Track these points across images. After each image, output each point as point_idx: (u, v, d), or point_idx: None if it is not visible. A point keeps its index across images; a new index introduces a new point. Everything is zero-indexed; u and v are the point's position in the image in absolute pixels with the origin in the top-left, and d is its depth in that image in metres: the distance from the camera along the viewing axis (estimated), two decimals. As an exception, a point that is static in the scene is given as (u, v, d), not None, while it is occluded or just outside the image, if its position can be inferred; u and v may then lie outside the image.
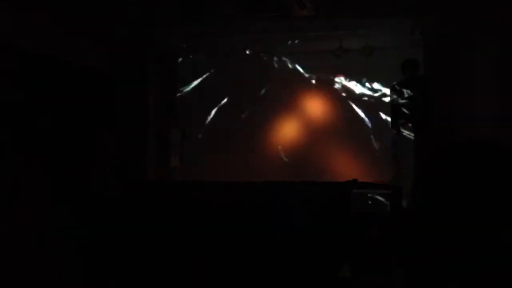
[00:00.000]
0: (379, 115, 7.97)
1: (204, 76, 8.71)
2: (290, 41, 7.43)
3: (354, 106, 8.12)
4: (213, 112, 8.65)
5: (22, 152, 5.86)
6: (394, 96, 6.47)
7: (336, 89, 8.24)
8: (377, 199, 5.23)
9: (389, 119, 7.34)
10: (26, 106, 6.16)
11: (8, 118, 5.80)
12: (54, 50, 6.92)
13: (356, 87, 8.14)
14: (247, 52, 7.75)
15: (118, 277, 2.46)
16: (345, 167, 8.09)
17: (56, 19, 6.39)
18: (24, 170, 5.72)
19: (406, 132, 6.55)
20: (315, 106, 8.31)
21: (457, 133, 6.65)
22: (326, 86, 8.27)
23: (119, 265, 2.47)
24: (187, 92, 8.76)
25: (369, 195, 5.29)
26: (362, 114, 8.04)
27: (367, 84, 8.00)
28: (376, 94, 8.05)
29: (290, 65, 8.36)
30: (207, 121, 8.65)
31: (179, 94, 8.80)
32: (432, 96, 6.09)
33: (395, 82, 6.65)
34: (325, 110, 8.23)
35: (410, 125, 6.28)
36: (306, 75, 8.32)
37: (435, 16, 6.24)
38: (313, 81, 8.30)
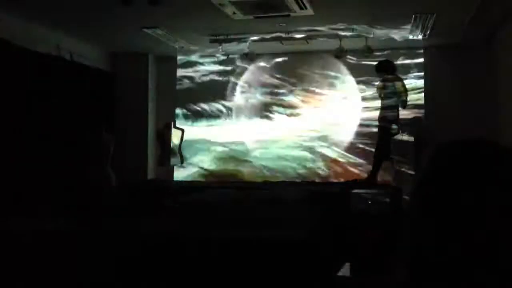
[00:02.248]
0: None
1: (204, 76, 8.71)
2: (289, 41, 7.44)
3: (353, 106, 8.11)
4: (213, 112, 8.65)
5: (23, 150, 5.86)
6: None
7: (336, 89, 8.24)
8: (377, 199, 5.23)
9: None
10: (28, 105, 6.16)
11: (10, 116, 5.80)
12: (55, 50, 6.93)
13: (356, 87, 8.13)
14: (246, 52, 7.75)
15: (117, 277, 2.46)
16: (345, 167, 8.09)
17: (57, 20, 6.40)
18: (24, 169, 5.73)
19: (406, 133, 6.56)
20: (316, 106, 8.31)
21: (457, 132, 6.65)
22: (326, 85, 8.27)
23: (118, 266, 2.47)
24: (187, 92, 8.77)
25: (369, 195, 5.30)
26: (362, 114, 8.04)
27: (367, 84, 7.99)
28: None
29: (290, 65, 8.37)
30: (206, 121, 8.65)
31: (179, 94, 8.80)
32: (405, 100, 6.39)
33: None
34: (325, 110, 8.23)
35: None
36: (307, 75, 8.31)
37: (435, 16, 6.24)
38: (313, 81, 8.30)
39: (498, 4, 5.77)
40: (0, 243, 2.48)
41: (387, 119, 6.37)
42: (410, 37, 7.15)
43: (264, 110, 8.46)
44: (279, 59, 8.35)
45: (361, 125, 7.99)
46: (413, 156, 6.29)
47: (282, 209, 3.97)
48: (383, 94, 6.42)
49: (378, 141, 6.57)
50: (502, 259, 0.66)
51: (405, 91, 6.43)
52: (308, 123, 8.29)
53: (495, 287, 0.66)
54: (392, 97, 6.32)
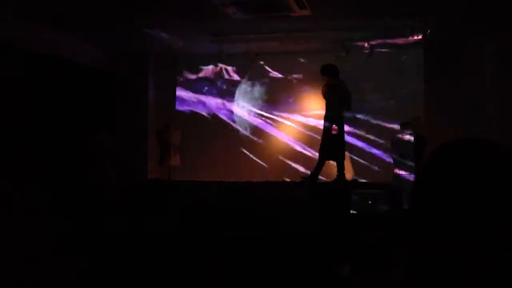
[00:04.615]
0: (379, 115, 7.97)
1: (204, 76, 8.71)
2: (290, 41, 7.43)
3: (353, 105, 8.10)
4: (212, 112, 8.65)
5: (23, 150, 5.87)
6: None
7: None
8: (377, 199, 5.23)
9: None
10: (28, 105, 6.16)
11: (9, 116, 5.80)
12: (55, 50, 6.93)
13: (356, 87, 8.12)
14: (247, 52, 7.75)
15: (118, 277, 2.47)
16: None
17: (57, 20, 6.40)
18: (25, 169, 5.73)
19: (406, 133, 6.57)
20: (315, 106, 8.31)
21: (457, 132, 6.65)
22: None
23: (119, 265, 2.47)
24: (187, 92, 8.76)
25: (369, 195, 5.30)
26: (362, 114, 8.03)
27: (366, 84, 7.98)
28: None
29: (289, 65, 8.36)
30: (206, 121, 8.65)
31: (179, 94, 8.80)
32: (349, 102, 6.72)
33: None
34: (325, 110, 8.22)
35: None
36: (306, 75, 8.31)
37: (435, 16, 6.24)
38: (313, 80, 8.30)
39: (497, 5, 5.77)
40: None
41: (331, 120, 6.66)
42: (410, 36, 7.15)
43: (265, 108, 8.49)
44: (279, 59, 8.35)
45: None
46: (413, 156, 6.29)
47: (283, 209, 3.97)
48: (327, 96, 6.70)
49: (322, 140, 6.82)
50: (501, 259, 0.66)
51: (348, 93, 6.71)
52: (308, 122, 8.28)
53: (494, 286, 0.66)
54: (336, 99, 6.60)
